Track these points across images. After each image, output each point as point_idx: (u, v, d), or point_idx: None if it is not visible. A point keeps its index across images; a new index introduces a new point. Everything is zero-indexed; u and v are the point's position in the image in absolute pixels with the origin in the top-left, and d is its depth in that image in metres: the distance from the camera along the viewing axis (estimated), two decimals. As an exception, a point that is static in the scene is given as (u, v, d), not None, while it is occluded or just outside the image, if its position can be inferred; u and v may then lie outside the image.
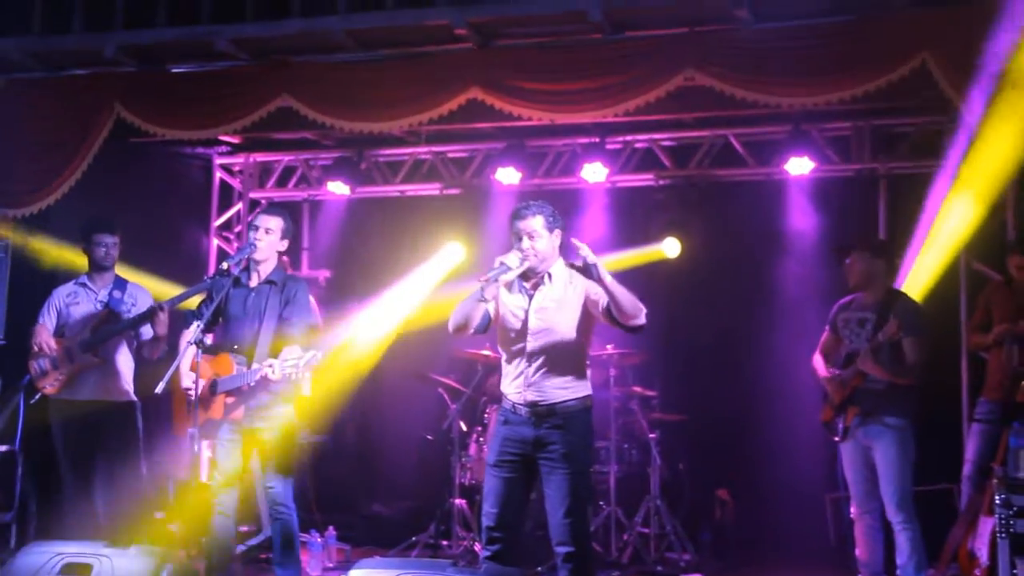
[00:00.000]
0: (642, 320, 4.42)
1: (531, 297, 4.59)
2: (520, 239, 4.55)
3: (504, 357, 4.69)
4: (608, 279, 4.32)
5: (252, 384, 5.18)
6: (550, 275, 4.59)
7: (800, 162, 7.33)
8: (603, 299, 4.43)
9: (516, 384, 4.58)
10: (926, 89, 5.83)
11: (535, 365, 4.53)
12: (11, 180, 7.06)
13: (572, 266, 4.59)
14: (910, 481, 5.52)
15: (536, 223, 4.54)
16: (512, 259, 4.48)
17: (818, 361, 5.92)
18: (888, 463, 5.51)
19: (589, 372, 4.66)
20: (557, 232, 4.59)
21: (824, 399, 5.87)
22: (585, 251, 4.30)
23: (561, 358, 4.53)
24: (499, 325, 4.67)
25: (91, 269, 6.17)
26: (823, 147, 7.60)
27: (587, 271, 4.36)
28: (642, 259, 7.76)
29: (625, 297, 4.36)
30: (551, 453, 4.48)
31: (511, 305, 4.62)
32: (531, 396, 4.53)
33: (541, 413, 4.51)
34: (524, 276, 4.61)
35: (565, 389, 4.52)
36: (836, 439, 5.73)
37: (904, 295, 5.81)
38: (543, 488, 4.54)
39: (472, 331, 4.58)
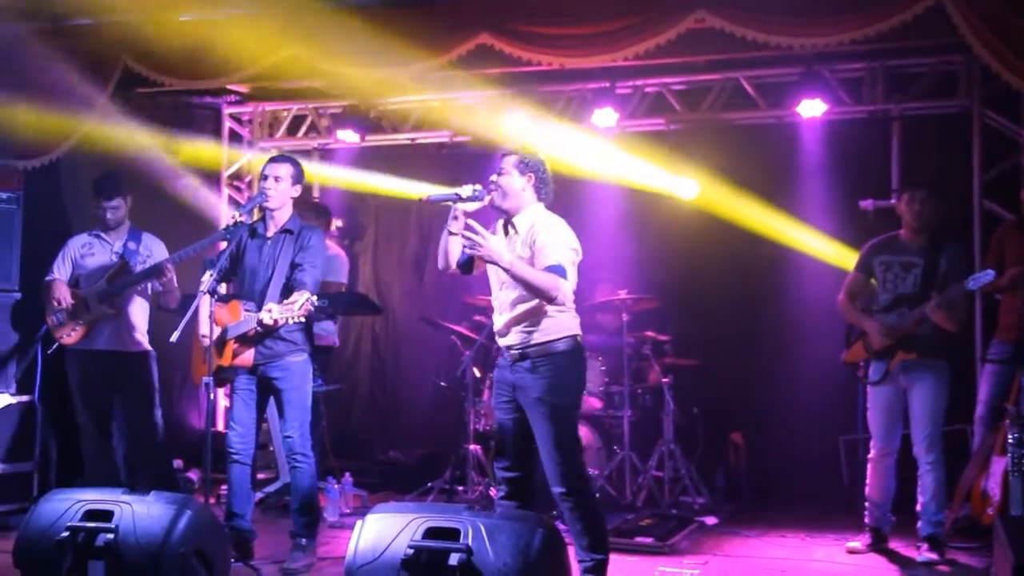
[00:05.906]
0: (555, 294, 4.38)
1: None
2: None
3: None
4: (514, 271, 4.34)
5: (256, 330, 5.18)
6: (514, 225, 4.58)
7: (812, 104, 7.24)
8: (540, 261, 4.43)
9: (499, 329, 4.64)
10: (941, 28, 5.76)
11: (510, 311, 4.56)
12: (20, 132, 7.04)
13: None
14: (942, 422, 5.55)
15: (508, 161, 4.60)
16: (465, 189, 4.56)
17: (847, 304, 5.85)
18: (925, 404, 5.54)
19: (570, 314, 4.57)
20: (530, 176, 4.58)
21: (852, 340, 5.84)
22: (482, 244, 4.32)
23: (531, 303, 4.49)
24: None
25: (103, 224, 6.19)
26: (836, 88, 7.51)
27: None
28: (658, 191, 7.77)
29: (531, 283, 4.37)
30: (527, 397, 4.51)
31: None
32: (508, 340, 4.58)
33: (515, 357, 4.55)
34: (505, 229, 4.64)
35: (535, 333, 4.50)
36: (869, 382, 5.70)
37: (952, 242, 5.67)
38: None
39: (454, 267, 4.69)
